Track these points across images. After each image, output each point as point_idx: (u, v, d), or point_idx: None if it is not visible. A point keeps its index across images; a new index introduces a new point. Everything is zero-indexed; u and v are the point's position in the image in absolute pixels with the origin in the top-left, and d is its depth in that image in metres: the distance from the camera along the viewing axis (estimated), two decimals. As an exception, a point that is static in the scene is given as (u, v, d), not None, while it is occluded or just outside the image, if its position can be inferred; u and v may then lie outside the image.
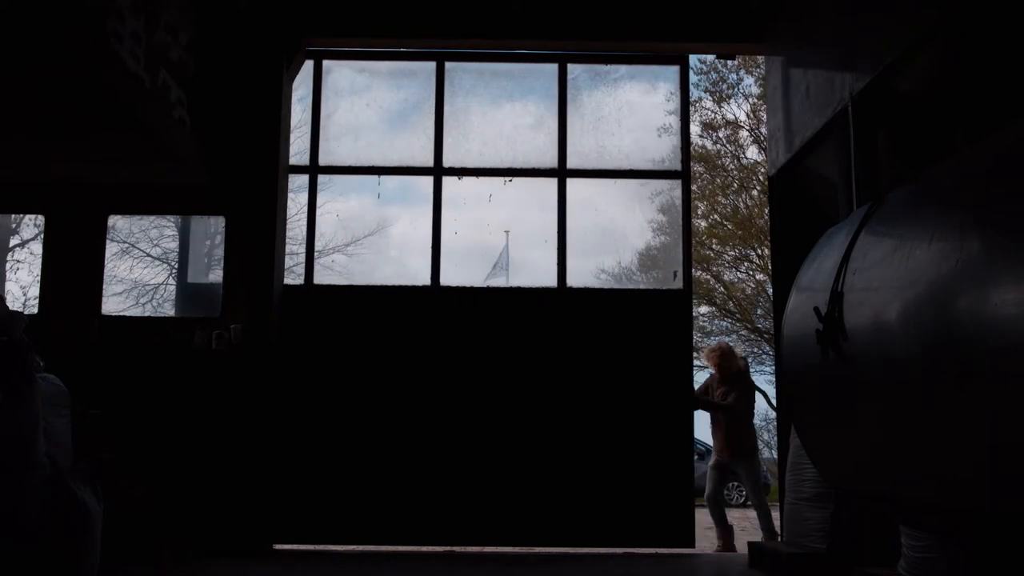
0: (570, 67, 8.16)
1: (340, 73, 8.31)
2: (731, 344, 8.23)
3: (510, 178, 8.04)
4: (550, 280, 7.89)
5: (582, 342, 7.75)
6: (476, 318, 7.79)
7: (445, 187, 8.01)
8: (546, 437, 7.61)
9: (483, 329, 7.78)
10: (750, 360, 25.47)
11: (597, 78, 8.26)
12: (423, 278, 7.88)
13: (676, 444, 7.65)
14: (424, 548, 7.50)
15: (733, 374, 8.32)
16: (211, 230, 8.55)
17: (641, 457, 7.59)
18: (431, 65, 8.16)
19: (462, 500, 7.54)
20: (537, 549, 7.53)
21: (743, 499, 19.78)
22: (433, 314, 7.80)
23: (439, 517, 7.52)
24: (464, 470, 7.57)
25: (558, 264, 7.88)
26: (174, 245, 8.88)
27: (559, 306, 7.82)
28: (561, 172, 8.02)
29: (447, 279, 7.88)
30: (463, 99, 8.20)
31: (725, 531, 8.22)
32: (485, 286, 7.93)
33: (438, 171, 8.02)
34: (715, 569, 6.66)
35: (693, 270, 26.59)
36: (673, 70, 8.19)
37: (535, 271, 7.99)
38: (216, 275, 7.88)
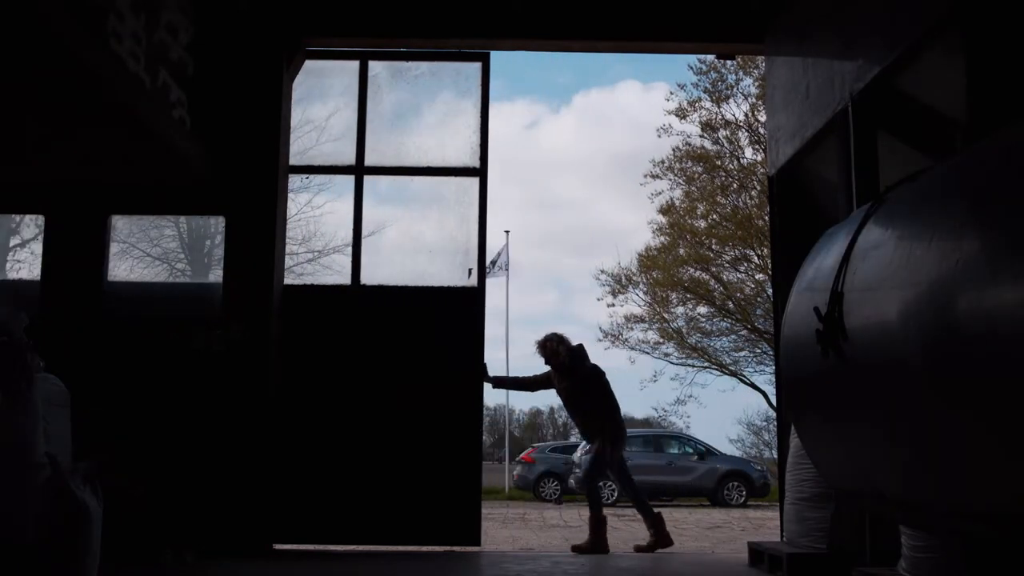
0: (371, 64, 8.06)
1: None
2: (561, 333, 8.05)
3: (308, 176, 8.01)
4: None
5: (377, 340, 7.70)
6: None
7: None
8: (357, 435, 7.57)
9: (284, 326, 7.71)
10: (750, 359, 25.46)
11: (398, 75, 8.18)
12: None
13: (465, 441, 7.63)
14: (424, 548, 7.50)
15: (566, 365, 7.99)
16: (211, 230, 8.54)
17: (433, 454, 7.55)
18: None
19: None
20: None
21: (743, 499, 19.70)
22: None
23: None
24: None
25: (352, 261, 7.81)
26: (175, 245, 8.87)
27: (354, 303, 7.77)
28: (359, 170, 7.97)
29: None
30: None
31: (595, 522, 7.72)
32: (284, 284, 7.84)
33: None
34: (715, 569, 6.66)
35: (692, 270, 26.57)
36: (475, 67, 8.10)
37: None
38: (216, 275, 7.88)
